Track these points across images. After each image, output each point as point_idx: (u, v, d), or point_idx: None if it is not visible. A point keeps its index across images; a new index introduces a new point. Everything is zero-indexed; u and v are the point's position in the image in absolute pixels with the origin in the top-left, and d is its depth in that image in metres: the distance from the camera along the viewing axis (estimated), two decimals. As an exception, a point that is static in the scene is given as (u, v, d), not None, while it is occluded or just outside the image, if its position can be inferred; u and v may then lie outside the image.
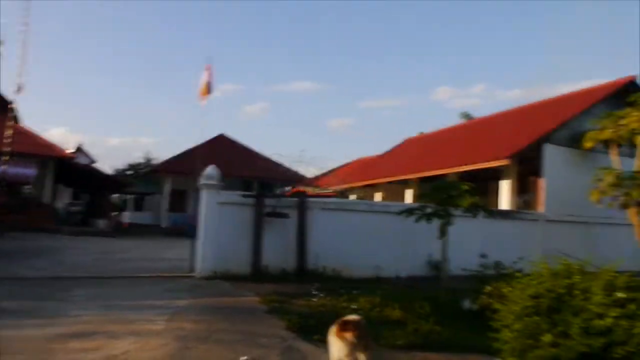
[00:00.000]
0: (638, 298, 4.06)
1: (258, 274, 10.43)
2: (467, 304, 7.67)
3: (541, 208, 15.52)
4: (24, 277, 9.63)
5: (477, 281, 8.47)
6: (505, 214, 14.75)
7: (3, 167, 17.20)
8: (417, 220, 10.32)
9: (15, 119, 19.18)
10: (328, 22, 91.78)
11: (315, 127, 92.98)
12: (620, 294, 4.07)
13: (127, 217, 34.42)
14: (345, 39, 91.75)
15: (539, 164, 15.67)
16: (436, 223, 10.16)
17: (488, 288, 7.36)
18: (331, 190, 26.32)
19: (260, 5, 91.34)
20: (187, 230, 16.43)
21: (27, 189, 23.35)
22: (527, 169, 16.24)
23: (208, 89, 18.08)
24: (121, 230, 25.98)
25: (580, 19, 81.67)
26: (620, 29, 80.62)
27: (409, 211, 10.51)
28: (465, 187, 10.27)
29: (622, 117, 13.12)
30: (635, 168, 12.48)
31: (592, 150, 14.77)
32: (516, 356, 4.35)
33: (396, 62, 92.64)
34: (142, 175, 40.74)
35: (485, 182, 18.46)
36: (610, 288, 4.13)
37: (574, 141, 15.24)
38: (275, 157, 30.96)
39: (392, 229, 12.13)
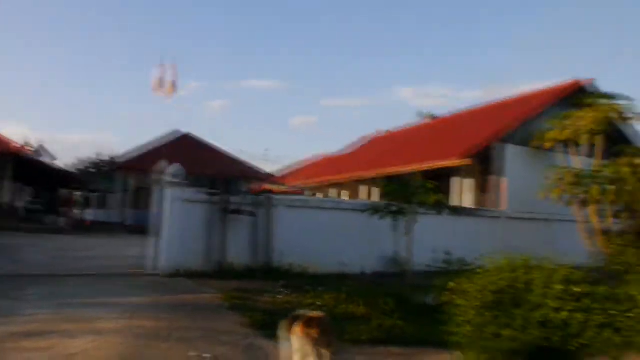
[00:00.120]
0: (593, 292, 4.20)
1: (223, 272, 10.34)
2: (430, 299, 7.76)
3: (503, 206, 15.86)
4: (-23, 276, 9.23)
5: (440, 277, 8.56)
6: (468, 212, 15.00)
7: None
8: (382, 218, 10.41)
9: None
10: (291, 20, 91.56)
11: (279, 125, 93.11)
12: (576, 289, 4.19)
13: (90, 214, 33.56)
14: (308, 37, 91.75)
15: (500, 163, 16.02)
16: (401, 221, 10.27)
17: (451, 284, 7.45)
18: (297, 188, 26.30)
19: (220, 1, 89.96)
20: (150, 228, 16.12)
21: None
22: (488, 167, 16.56)
23: (173, 87, 17.89)
24: (84, 228, 25.31)
25: (541, 19, 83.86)
26: (575, 32, 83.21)
27: (374, 209, 10.59)
28: (430, 185, 10.45)
29: (581, 118, 13.51)
30: (593, 167, 12.85)
31: (549, 149, 15.17)
32: (476, 350, 4.43)
33: (359, 61, 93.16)
34: (105, 172, 39.79)
35: (448, 180, 18.73)
36: (566, 283, 4.25)
37: (533, 140, 15.62)
38: (240, 155, 30.81)
39: (358, 227, 12.16)
